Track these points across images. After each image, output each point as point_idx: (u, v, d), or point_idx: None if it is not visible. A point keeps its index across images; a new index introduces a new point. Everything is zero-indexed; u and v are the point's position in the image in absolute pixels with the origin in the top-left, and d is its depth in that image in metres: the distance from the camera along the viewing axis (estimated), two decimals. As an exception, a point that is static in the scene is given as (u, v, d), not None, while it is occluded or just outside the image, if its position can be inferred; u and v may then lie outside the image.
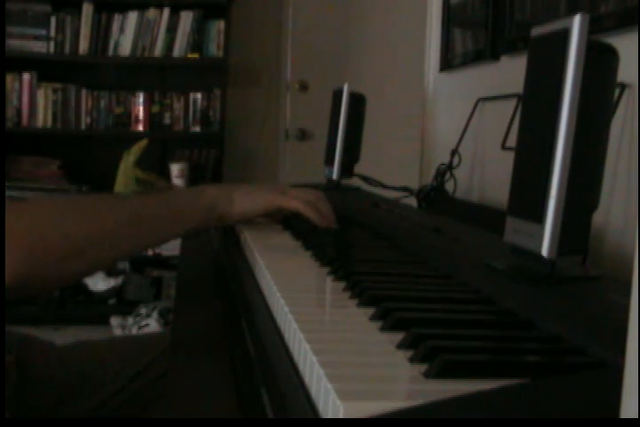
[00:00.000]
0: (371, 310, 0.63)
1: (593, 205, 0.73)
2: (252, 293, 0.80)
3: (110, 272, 3.66)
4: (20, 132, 3.72)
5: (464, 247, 0.94)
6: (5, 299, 0.86)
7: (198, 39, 3.71)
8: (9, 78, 3.66)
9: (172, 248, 3.68)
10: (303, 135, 3.90)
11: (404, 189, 1.65)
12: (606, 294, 0.66)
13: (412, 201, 1.61)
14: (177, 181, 3.72)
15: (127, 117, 3.77)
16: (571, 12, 0.88)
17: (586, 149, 0.71)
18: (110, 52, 3.68)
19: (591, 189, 0.72)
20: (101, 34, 3.67)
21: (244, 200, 1.04)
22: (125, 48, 3.68)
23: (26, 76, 3.68)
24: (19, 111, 3.69)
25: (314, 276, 0.83)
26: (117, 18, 3.67)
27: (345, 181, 1.65)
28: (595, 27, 0.72)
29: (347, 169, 1.63)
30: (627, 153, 1.03)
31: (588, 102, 0.70)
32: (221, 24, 3.72)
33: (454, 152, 1.58)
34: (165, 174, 3.76)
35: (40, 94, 3.69)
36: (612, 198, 1.04)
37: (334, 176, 1.61)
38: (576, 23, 0.70)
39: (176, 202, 1.02)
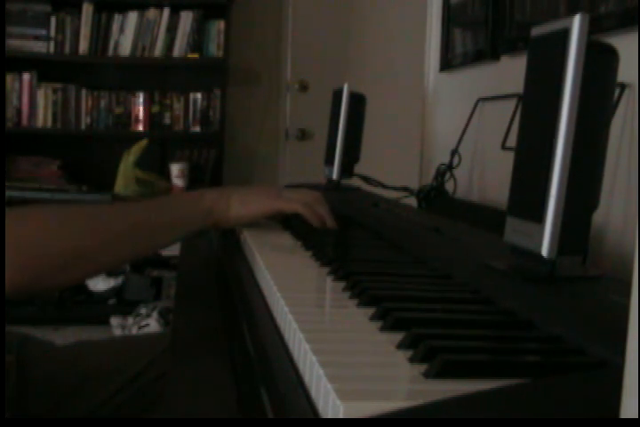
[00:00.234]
0: (371, 310, 0.63)
1: (593, 205, 0.73)
2: (252, 293, 0.80)
3: (110, 272, 3.66)
4: (19, 132, 3.72)
5: (464, 247, 0.94)
6: (5, 299, 0.86)
7: (198, 39, 3.71)
8: (9, 78, 3.66)
9: (172, 248, 3.68)
10: (303, 135, 3.90)
11: (404, 189, 1.65)
12: (606, 294, 0.66)
13: (412, 201, 1.61)
14: (177, 181, 3.72)
15: (127, 117, 3.77)
16: (571, 12, 0.88)
17: (586, 149, 0.71)
18: (110, 52, 3.68)
19: (591, 189, 0.72)
20: (101, 34, 3.67)
21: (240, 205, 1.04)
22: (125, 48, 3.68)
23: (26, 76, 3.68)
24: (19, 111, 3.69)
25: (314, 276, 0.83)
26: (117, 18, 3.67)
27: (345, 181, 1.65)
28: (595, 27, 0.72)
29: (347, 169, 1.63)
30: (627, 153, 1.03)
31: (588, 102, 0.70)
32: (221, 24, 3.72)
33: (454, 152, 1.58)
34: (165, 174, 3.76)
35: (40, 94, 3.69)
36: (612, 198, 1.04)
37: (334, 176, 1.61)
38: (576, 23, 0.70)
39: (175, 208, 1.03)
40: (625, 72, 0.78)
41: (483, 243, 0.97)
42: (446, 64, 1.87)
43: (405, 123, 2.50)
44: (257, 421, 0.54)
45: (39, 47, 3.64)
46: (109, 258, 0.96)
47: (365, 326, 0.60)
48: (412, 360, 0.50)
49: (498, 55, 1.56)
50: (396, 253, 0.95)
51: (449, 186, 1.59)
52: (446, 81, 1.92)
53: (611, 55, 0.72)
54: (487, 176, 1.60)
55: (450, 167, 1.58)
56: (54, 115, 3.71)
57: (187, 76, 3.86)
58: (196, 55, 3.70)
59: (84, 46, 3.66)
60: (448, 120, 1.87)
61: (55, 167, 3.72)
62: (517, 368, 0.49)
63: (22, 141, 3.74)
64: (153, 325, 3.29)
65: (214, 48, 3.74)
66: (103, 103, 3.74)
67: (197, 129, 3.80)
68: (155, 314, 3.35)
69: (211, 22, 3.73)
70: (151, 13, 3.67)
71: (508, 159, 0.81)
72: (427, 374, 0.48)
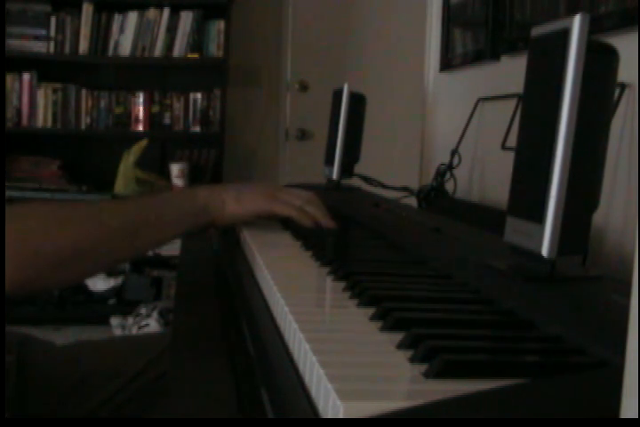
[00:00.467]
0: (371, 310, 0.63)
1: (593, 205, 0.73)
2: (251, 293, 0.80)
3: (110, 272, 3.66)
4: (19, 132, 3.72)
5: (464, 247, 0.94)
6: (6, 298, 0.86)
7: (198, 39, 3.71)
8: (9, 78, 3.66)
9: (171, 248, 3.69)
10: (303, 135, 3.90)
11: (404, 189, 1.65)
12: (606, 294, 0.66)
13: (412, 201, 1.61)
14: (177, 181, 3.72)
15: (127, 117, 3.77)
16: (571, 12, 0.88)
17: (586, 149, 0.71)
18: (110, 52, 3.68)
19: (591, 189, 0.72)
20: (101, 34, 3.67)
21: (236, 203, 1.03)
22: (125, 48, 3.68)
23: (26, 76, 3.68)
24: (19, 111, 3.69)
25: (314, 276, 0.83)
26: (117, 18, 3.67)
27: (345, 181, 1.65)
28: (595, 27, 0.72)
29: (347, 169, 1.63)
30: (627, 153, 1.03)
31: (588, 102, 0.70)
32: (221, 24, 3.72)
33: (454, 152, 1.58)
34: (165, 174, 3.76)
35: (40, 94, 3.69)
36: (612, 198, 1.04)
37: (334, 176, 1.61)
38: (576, 23, 0.70)
39: (170, 206, 1.02)
40: (625, 72, 0.78)
41: (483, 243, 0.97)
42: (446, 64, 1.87)
43: (405, 123, 2.51)
44: (257, 421, 0.54)
45: (39, 47, 3.64)
46: (108, 255, 0.96)
47: (365, 326, 0.60)
48: (412, 360, 0.50)
49: (498, 55, 1.56)
50: (396, 253, 0.95)
51: (449, 186, 1.59)
52: (446, 81, 1.92)
53: (611, 55, 0.72)
54: (487, 176, 1.60)
55: (450, 167, 1.58)
56: (54, 115, 3.71)
57: (187, 76, 3.85)
58: (196, 55, 3.70)
59: (83, 46, 3.66)
60: (448, 120, 1.87)
61: (55, 167, 3.72)
62: (517, 368, 0.49)
63: (22, 141, 3.74)
64: (153, 325, 3.29)
65: (214, 48, 3.74)
66: (103, 103, 3.74)
67: (197, 129, 3.80)
68: (155, 314, 3.35)
69: (211, 22, 3.73)
70: (151, 13, 3.67)
71: (508, 159, 0.81)
72: (427, 374, 0.48)
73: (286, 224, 1.14)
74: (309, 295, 0.75)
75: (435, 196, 1.55)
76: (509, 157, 0.81)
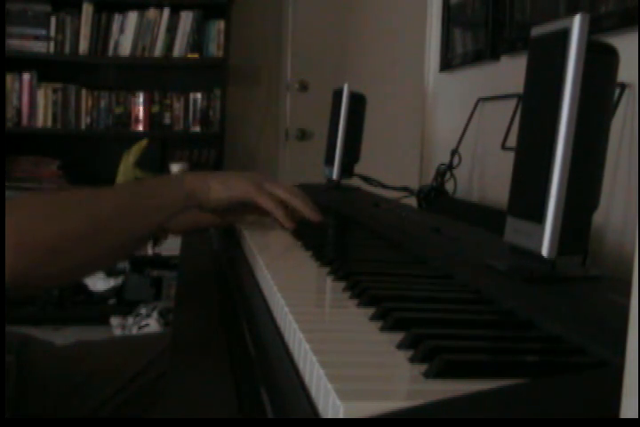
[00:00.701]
0: (371, 310, 0.63)
1: (593, 205, 0.73)
2: (252, 293, 0.80)
3: (110, 272, 3.66)
4: (19, 132, 3.72)
5: (464, 247, 0.94)
6: (6, 299, 0.86)
7: (198, 39, 3.71)
8: (9, 78, 3.66)
9: (172, 248, 3.69)
10: (303, 135, 3.90)
11: (404, 189, 1.65)
12: (606, 294, 0.66)
13: (412, 201, 1.61)
14: (177, 181, 3.72)
15: (127, 117, 3.77)
16: (571, 12, 0.88)
17: (586, 149, 0.71)
18: (110, 52, 3.68)
19: (591, 189, 0.72)
20: (101, 34, 3.67)
21: (220, 187, 1.05)
22: (125, 48, 3.68)
23: (26, 76, 3.68)
24: (19, 111, 3.69)
25: (314, 276, 0.83)
26: (117, 18, 3.67)
27: (345, 181, 1.65)
28: (595, 27, 0.72)
29: (347, 169, 1.63)
30: (627, 153, 1.03)
31: (588, 102, 0.70)
32: (221, 24, 3.72)
33: (454, 152, 1.58)
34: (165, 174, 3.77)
35: (40, 94, 3.69)
36: (612, 198, 1.04)
37: (334, 176, 1.61)
38: (576, 23, 0.70)
39: (157, 191, 1.04)
40: (625, 72, 0.78)
41: (483, 243, 0.97)
42: (446, 64, 1.87)
43: (405, 123, 2.50)
44: (257, 421, 0.54)
45: (39, 47, 3.64)
46: (99, 242, 0.96)
47: (365, 326, 0.60)
48: (412, 360, 0.50)
49: (498, 55, 1.56)
50: (396, 253, 0.95)
51: (449, 186, 1.59)
52: (446, 81, 1.91)
53: (611, 55, 0.72)
54: (487, 176, 1.60)
55: (450, 167, 1.58)
56: (54, 115, 3.71)
57: (187, 76, 3.86)
58: (196, 55, 3.70)
59: (83, 46, 3.66)
60: (448, 120, 1.87)
61: (55, 167, 3.72)
62: (517, 368, 0.49)
63: (22, 141, 3.74)
64: (153, 325, 3.30)
65: (214, 48, 3.74)
66: (103, 103, 3.74)
67: (197, 129, 3.80)
68: (155, 314, 3.35)
69: (211, 22, 3.73)
70: (151, 13, 3.67)
71: (508, 159, 0.81)
72: (427, 374, 0.48)
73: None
74: (309, 295, 0.75)
75: (435, 196, 1.55)
76: (509, 157, 0.81)
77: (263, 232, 1.09)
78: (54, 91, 3.70)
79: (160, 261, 3.66)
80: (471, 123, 1.60)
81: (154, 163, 3.78)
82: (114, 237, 0.98)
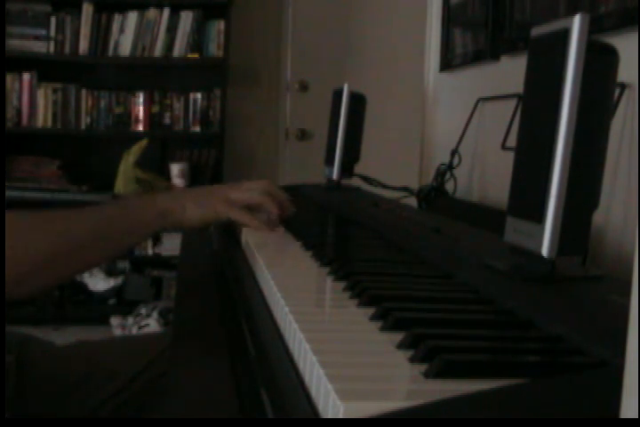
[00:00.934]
0: (371, 310, 0.63)
1: (593, 204, 0.73)
2: (252, 293, 0.80)
3: (110, 272, 3.66)
4: (19, 132, 3.72)
5: (464, 247, 0.94)
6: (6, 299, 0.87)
7: (198, 39, 3.71)
8: (9, 78, 3.66)
9: (172, 248, 3.69)
10: (303, 135, 3.90)
11: (404, 189, 1.65)
12: (606, 294, 0.66)
13: (412, 201, 1.61)
14: (177, 181, 3.72)
15: (127, 117, 3.77)
16: (571, 12, 0.88)
17: (586, 149, 0.71)
18: (110, 52, 3.68)
19: (591, 189, 0.72)
20: (101, 34, 3.67)
21: (195, 207, 1.06)
22: (125, 48, 3.68)
23: (26, 76, 3.68)
24: (19, 111, 3.69)
25: (314, 276, 0.83)
26: (117, 18, 3.67)
27: (345, 181, 1.65)
28: (595, 27, 0.72)
29: (347, 169, 1.63)
30: (627, 153, 1.03)
31: (588, 102, 0.70)
32: (221, 24, 3.72)
33: (454, 152, 1.58)
34: (165, 174, 3.76)
35: (40, 94, 3.69)
36: (612, 198, 1.04)
37: (334, 176, 1.61)
38: (576, 23, 0.70)
39: (131, 213, 1.06)
40: (625, 72, 0.78)
41: (483, 243, 0.97)
42: (446, 64, 1.87)
43: (405, 123, 2.50)
44: (257, 421, 0.54)
45: (39, 47, 3.65)
46: (77, 261, 1.00)
47: (365, 326, 0.60)
48: (412, 360, 0.50)
49: (498, 55, 1.56)
50: (396, 253, 0.95)
51: (449, 186, 1.59)
52: (446, 81, 1.91)
53: (611, 55, 0.72)
54: (487, 176, 1.60)
55: (450, 167, 1.58)
56: (54, 115, 3.71)
57: (187, 76, 3.86)
58: (196, 55, 3.70)
59: (83, 46, 3.66)
60: (448, 120, 1.87)
61: (55, 167, 3.72)
62: (517, 368, 0.49)
63: (22, 141, 3.74)
64: (153, 325, 3.30)
65: (214, 48, 3.74)
66: (103, 103, 3.74)
67: (197, 129, 3.80)
68: (155, 314, 3.35)
69: (211, 22, 3.73)
70: (151, 13, 3.67)
71: (508, 159, 0.81)
72: (427, 374, 0.48)
73: (287, 224, 1.14)
74: (309, 295, 0.75)
75: (435, 196, 1.55)
76: (509, 157, 0.81)
77: (263, 232, 1.09)
78: (54, 91, 3.70)
79: (160, 261, 3.66)
80: (471, 123, 1.60)
81: (154, 163, 3.78)
82: (91, 259, 1.03)
